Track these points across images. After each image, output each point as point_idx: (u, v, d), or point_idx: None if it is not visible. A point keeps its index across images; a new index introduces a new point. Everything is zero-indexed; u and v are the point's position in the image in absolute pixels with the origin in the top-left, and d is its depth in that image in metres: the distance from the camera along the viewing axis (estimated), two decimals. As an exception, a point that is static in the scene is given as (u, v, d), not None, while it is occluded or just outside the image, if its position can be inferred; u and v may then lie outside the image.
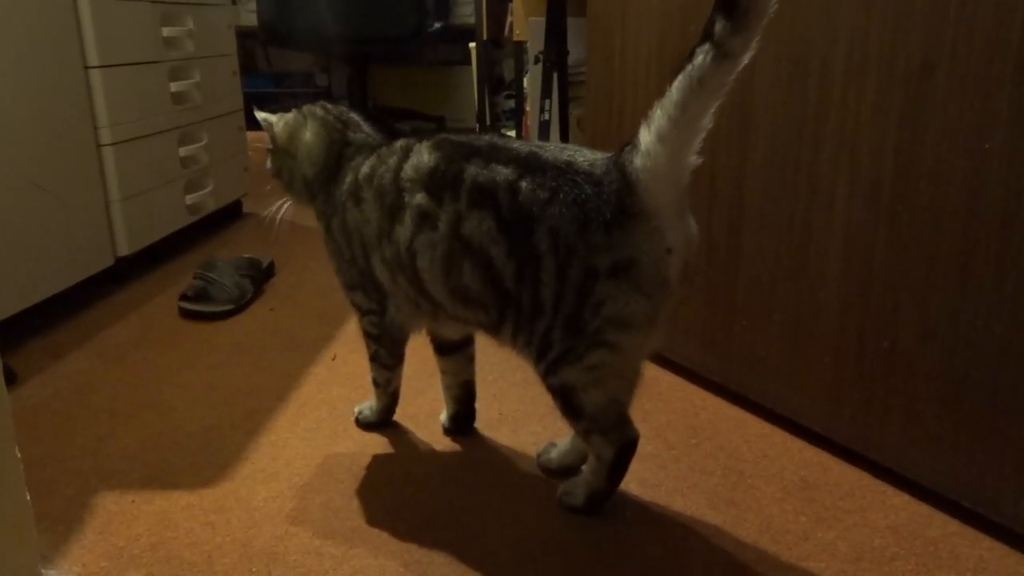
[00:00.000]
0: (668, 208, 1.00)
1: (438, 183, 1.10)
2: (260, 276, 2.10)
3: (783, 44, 1.26)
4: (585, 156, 1.04)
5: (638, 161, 0.98)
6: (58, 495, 1.19)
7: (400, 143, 1.21)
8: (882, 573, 1.02)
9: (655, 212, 0.99)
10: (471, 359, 1.37)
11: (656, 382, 1.55)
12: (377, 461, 1.29)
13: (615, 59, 1.64)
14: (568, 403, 1.10)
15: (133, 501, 1.18)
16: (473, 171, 1.07)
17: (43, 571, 1.02)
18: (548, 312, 1.04)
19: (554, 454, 1.27)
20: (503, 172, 1.05)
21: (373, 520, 1.13)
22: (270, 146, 1.34)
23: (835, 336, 1.26)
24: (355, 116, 1.34)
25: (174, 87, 2.31)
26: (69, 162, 1.87)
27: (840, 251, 1.23)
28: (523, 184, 1.04)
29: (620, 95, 1.65)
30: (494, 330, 1.13)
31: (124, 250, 2.08)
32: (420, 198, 1.12)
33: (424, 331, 1.33)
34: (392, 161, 1.18)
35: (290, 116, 1.33)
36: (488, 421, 1.41)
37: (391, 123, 4.38)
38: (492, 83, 4.31)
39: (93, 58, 1.93)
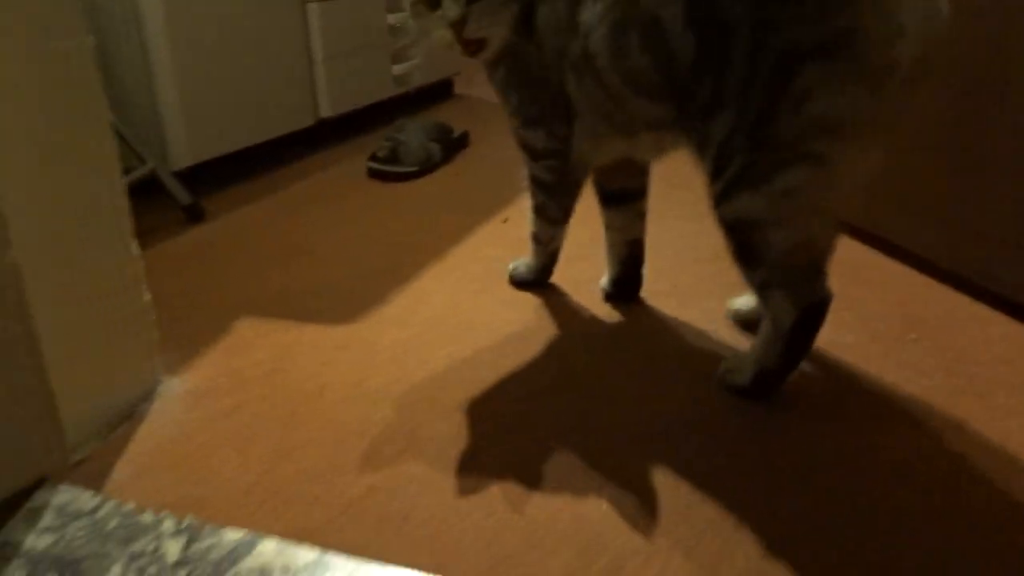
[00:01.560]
0: None
1: None
2: (450, 143, 2.02)
3: None
4: None
5: None
6: (200, 317, 1.19)
7: None
8: None
9: None
10: (642, 215, 1.18)
11: (869, 267, 1.25)
12: (520, 320, 1.15)
13: None
14: (746, 244, 0.87)
15: (265, 330, 1.14)
16: None
17: (165, 378, 1.01)
18: (731, 107, 0.82)
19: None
20: None
21: (500, 377, 1.00)
22: None
23: None
24: None
25: (385, -52, 2.25)
26: (275, 16, 1.87)
27: None
28: None
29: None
30: (675, 133, 0.93)
31: (326, 112, 2.09)
32: None
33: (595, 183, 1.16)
34: None
35: None
36: (655, 292, 1.22)
37: None
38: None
39: (299, -92, 1.90)
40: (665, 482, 0.80)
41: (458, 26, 1.00)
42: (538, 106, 1.09)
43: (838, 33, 0.77)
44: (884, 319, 1.10)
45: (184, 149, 1.66)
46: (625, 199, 1.17)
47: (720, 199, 0.87)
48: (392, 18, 2.32)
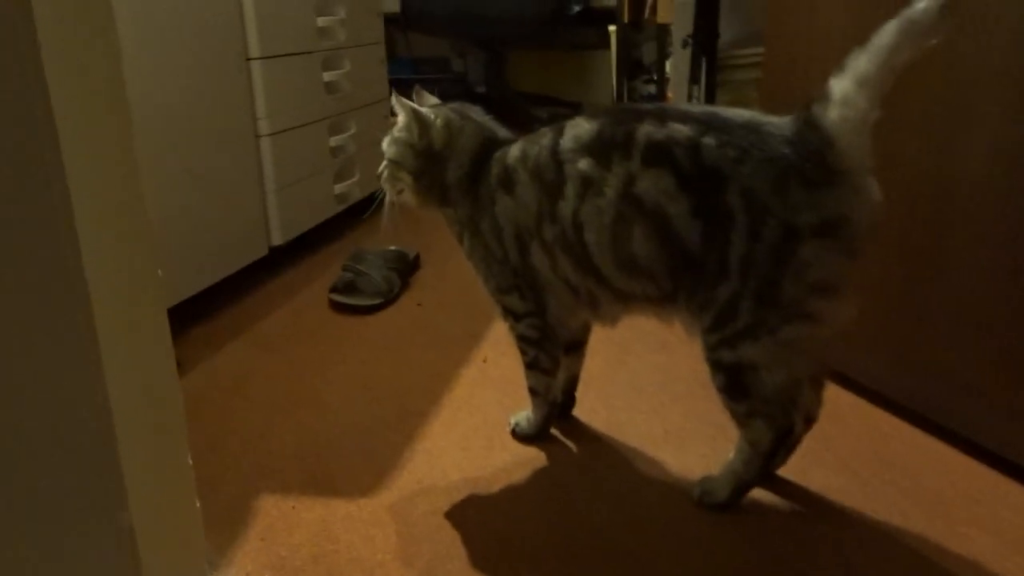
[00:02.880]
0: (865, 163, 0.95)
1: (604, 146, 1.05)
2: (406, 269, 2.08)
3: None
4: (767, 116, 1.00)
5: (834, 113, 0.93)
6: (222, 494, 1.19)
7: (548, 127, 1.16)
8: None
9: (857, 167, 0.94)
10: (583, 356, 1.36)
11: (834, 402, 1.40)
12: (535, 478, 1.22)
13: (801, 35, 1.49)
14: (738, 382, 1.03)
15: (293, 507, 1.16)
16: (647, 130, 1.02)
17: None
18: (735, 278, 0.98)
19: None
20: (682, 130, 1.00)
21: (535, 546, 1.07)
22: (411, 142, 1.23)
23: (1068, 366, 1.09)
24: (488, 118, 1.29)
25: (327, 76, 2.31)
26: (230, 154, 1.90)
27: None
28: (707, 141, 0.98)
29: (803, 76, 1.50)
30: (662, 303, 1.08)
31: (277, 240, 2.11)
32: (584, 165, 1.06)
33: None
34: (546, 140, 1.13)
35: (448, 116, 1.24)
36: (652, 438, 1.32)
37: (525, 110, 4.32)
38: (630, 67, 4.19)
39: (255, 50, 1.94)
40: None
41: (379, 177, 1.31)
42: (506, 275, 1.21)
43: (832, 217, 0.95)
44: (859, 458, 1.24)
45: (153, 297, 1.65)
46: (575, 347, 1.34)
47: (718, 346, 1.03)
48: (334, 140, 2.38)
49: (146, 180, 1.65)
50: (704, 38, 3.16)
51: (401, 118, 1.25)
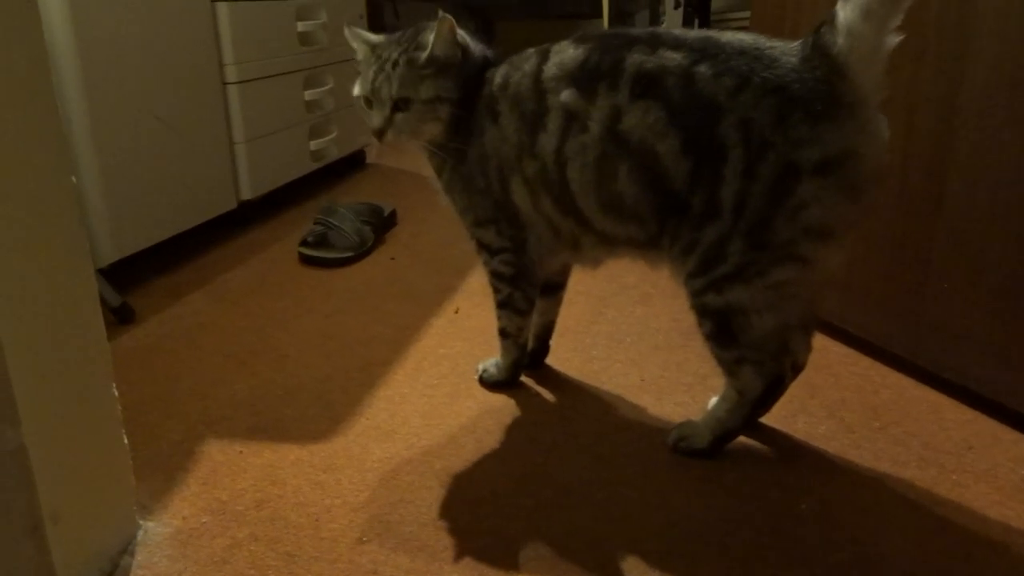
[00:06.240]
0: (876, 96, 0.87)
1: (590, 76, 0.97)
2: (381, 224, 1.99)
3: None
4: (771, 41, 0.92)
5: (842, 41, 0.85)
6: (164, 440, 1.11)
7: (533, 49, 1.07)
8: None
9: (867, 100, 0.87)
10: (560, 301, 1.28)
11: (824, 352, 1.32)
12: (502, 424, 1.14)
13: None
14: (726, 327, 0.96)
15: (240, 452, 1.08)
16: (637, 58, 0.94)
17: (141, 521, 0.93)
18: (726, 217, 0.90)
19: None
20: (674, 58, 0.92)
21: (498, 492, 0.99)
22: (452, 62, 1.07)
23: (1071, 305, 1.01)
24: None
25: (301, 27, 2.22)
26: (195, 100, 1.81)
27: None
28: (701, 69, 0.90)
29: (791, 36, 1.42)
30: (647, 247, 1.01)
31: (247, 194, 2.02)
32: (567, 96, 0.98)
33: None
34: (529, 65, 1.04)
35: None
36: (628, 387, 1.24)
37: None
38: (624, 35, 4.10)
39: (219, -10, 1.85)
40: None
41: (378, 134, 1.08)
42: (487, 207, 1.13)
43: (836, 154, 0.87)
44: (847, 407, 1.17)
45: (108, 245, 1.56)
46: (553, 290, 1.26)
47: (706, 290, 0.95)
48: (309, 94, 2.29)
49: (106, 121, 1.56)
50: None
51: (432, 45, 1.05)
